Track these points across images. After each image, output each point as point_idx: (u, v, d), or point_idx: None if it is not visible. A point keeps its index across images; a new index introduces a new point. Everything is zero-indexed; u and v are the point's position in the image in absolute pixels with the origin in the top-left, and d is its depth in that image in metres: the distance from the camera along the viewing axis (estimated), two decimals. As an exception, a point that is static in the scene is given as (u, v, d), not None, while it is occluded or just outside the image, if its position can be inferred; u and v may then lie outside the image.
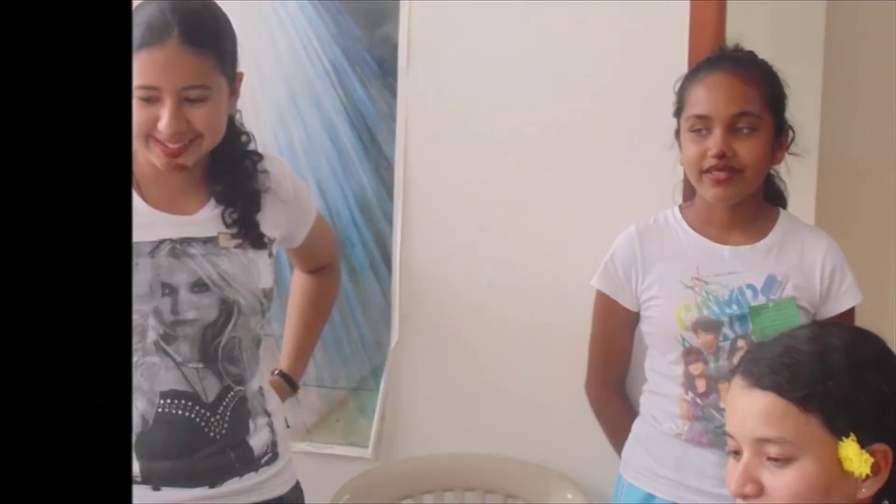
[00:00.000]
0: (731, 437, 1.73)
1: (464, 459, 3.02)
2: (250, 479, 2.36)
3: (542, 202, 2.93)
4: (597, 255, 2.66)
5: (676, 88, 2.56)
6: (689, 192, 2.66)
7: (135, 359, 2.23)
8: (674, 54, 2.74)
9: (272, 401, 2.46)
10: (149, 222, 2.24)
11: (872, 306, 2.60)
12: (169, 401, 2.26)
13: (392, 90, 3.00)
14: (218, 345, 2.29)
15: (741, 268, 2.52)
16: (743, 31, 2.65)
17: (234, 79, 2.29)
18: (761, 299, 2.49)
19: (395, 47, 2.98)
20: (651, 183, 2.78)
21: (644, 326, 2.63)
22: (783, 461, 1.65)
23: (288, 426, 2.54)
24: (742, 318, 2.48)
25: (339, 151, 3.03)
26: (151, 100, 2.17)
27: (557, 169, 2.91)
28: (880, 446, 1.65)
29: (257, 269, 2.34)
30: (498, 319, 2.99)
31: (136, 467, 2.24)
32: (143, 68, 2.14)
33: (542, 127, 2.91)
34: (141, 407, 2.25)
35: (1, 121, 1.21)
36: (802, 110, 2.61)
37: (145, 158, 2.24)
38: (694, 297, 2.50)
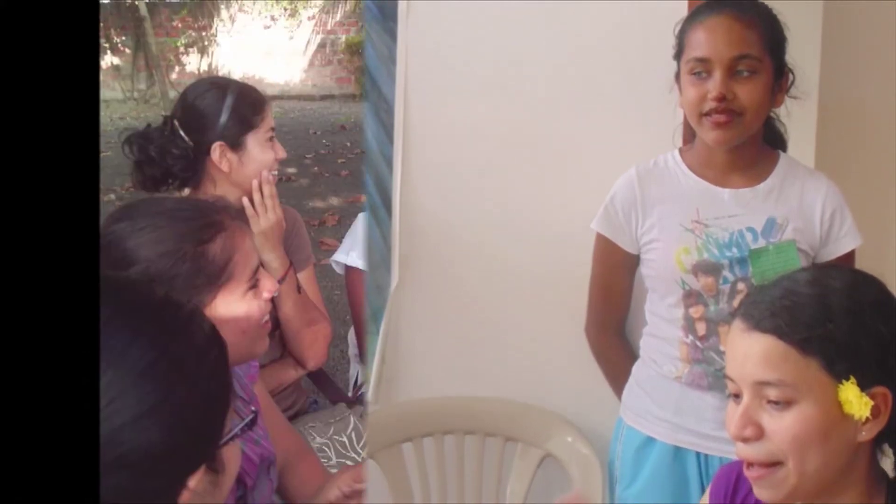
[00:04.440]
0: (731, 379, 1.73)
1: (464, 402, 3.03)
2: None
3: (541, 145, 2.92)
4: (597, 198, 2.66)
5: (676, 31, 2.55)
6: (689, 135, 2.66)
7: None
8: (674, -3, 2.74)
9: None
10: None
11: (872, 249, 2.60)
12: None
13: (392, 33, 2.98)
14: None
15: (741, 210, 2.52)
16: (743, -27, 2.63)
17: None
18: (761, 242, 2.49)
19: (395, -10, 2.97)
20: (651, 126, 2.78)
21: (644, 269, 2.63)
22: (783, 404, 1.65)
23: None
24: (742, 261, 2.48)
25: (339, 95, 3.02)
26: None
27: (557, 112, 2.90)
28: (880, 389, 1.65)
29: None
30: (498, 262, 2.99)
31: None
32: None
33: (543, 69, 2.90)
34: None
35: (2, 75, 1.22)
36: (802, 53, 2.60)
37: None
38: (694, 240, 2.50)
